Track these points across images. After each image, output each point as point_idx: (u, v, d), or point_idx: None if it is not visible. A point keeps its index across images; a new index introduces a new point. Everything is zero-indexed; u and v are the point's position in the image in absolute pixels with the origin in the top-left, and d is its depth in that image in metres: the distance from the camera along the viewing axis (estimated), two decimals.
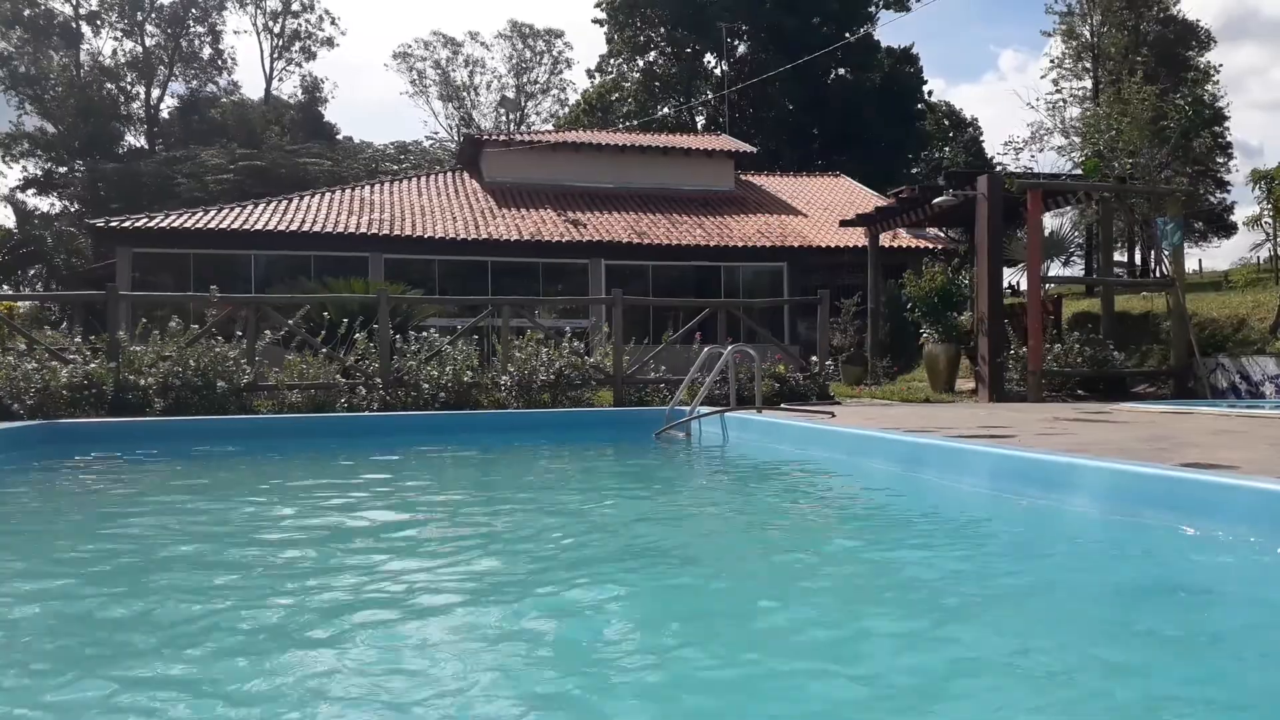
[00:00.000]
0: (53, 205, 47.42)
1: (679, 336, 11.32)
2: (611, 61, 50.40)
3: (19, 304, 34.76)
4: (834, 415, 7.25)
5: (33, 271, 28.08)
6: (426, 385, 9.67)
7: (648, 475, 6.08)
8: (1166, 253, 12.17)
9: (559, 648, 2.31)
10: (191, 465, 6.99)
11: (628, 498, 5.03)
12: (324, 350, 9.98)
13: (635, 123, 41.41)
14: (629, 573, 3.11)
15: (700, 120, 47.37)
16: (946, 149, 53.60)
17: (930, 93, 52.14)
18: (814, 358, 10.98)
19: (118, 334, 9.39)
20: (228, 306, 10.39)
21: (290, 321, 10.15)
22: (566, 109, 56.20)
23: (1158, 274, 12.70)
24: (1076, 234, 20.98)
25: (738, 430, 7.04)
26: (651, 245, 22.18)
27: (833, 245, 22.85)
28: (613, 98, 48.81)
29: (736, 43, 46.95)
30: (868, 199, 25.56)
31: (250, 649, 2.31)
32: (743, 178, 28.13)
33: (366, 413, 9.32)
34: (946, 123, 54.42)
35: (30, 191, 47.48)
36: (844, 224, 18.28)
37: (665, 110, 46.07)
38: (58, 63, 50.06)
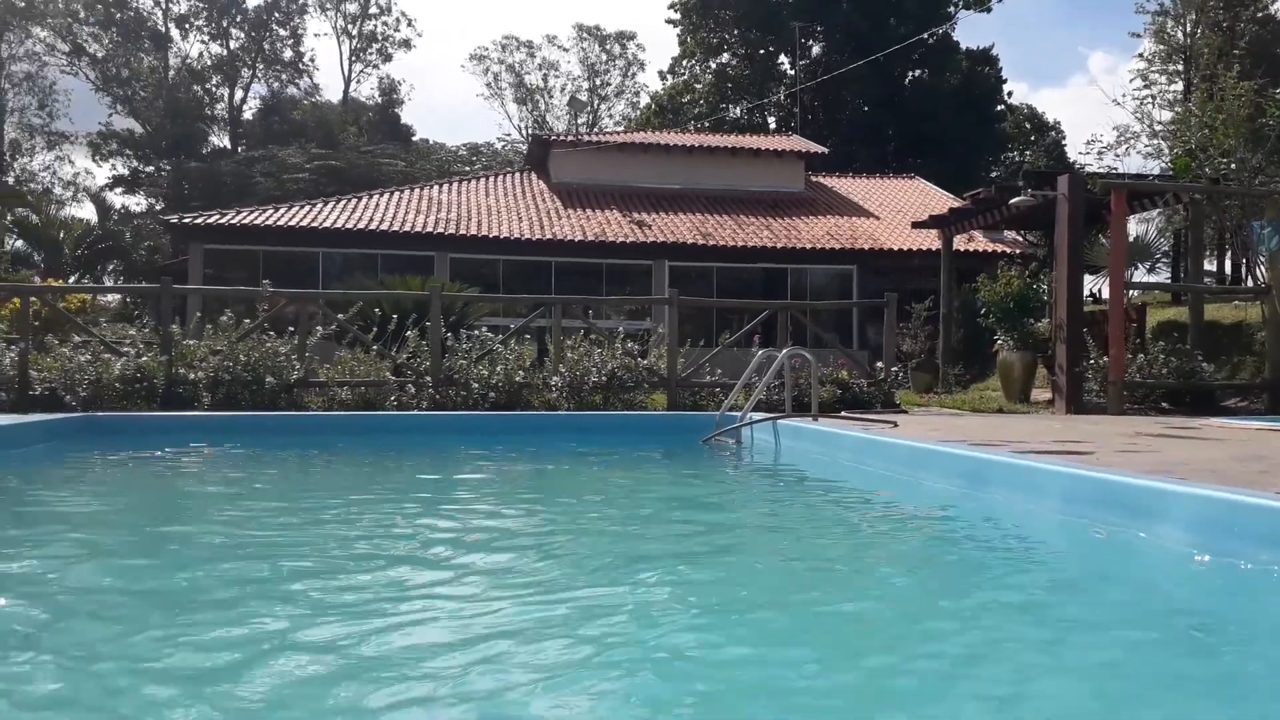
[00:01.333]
0: (139, 204, 48.96)
1: (737, 339, 10.95)
2: (684, 63, 50.10)
3: (106, 298, 35.90)
4: (896, 425, 6.81)
5: (112, 266, 28.85)
6: (477, 385, 9.47)
7: (687, 489, 5.73)
8: (1263, 259, 11.38)
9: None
10: (218, 464, 6.86)
11: (662, 521, 4.69)
12: (375, 347, 9.85)
13: (706, 124, 41.05)
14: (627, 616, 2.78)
15: (772, 122, 46.79)
16: (1027, 152, 52.10)
17: (1010, 94, 50.74)
18: (879, 364, 10.51)
19: (170, 327, 9.37)
20: (281, 301, 10.33)
21: (341, 316, 10.05)
22: (638, 111, 56.07)
23: (1250, 282, 11.89)
24: (1163, 240, 20.01)
25: (791, 439, 6.66)
26: (716, 247, 21.80)
27: (905, 249, 22.19)
28: (684, 99, 48.51)
29: (810, 43, 46.28)
30: (943, 201, 24.78)
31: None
32: (813, 179, 27.57)
33: (415, 411, 9.15)
34: (1028, 125, 52.83)
35: (118, 190, 49.09)
36: (916, 225, 17.66)
37: (737, 112, 45.61)
38: (147, 65, 51.68)
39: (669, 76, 51.09)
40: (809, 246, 22.11)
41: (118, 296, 36.20)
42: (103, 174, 50.49)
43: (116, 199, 47.74)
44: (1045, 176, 12.42)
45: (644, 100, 56.29)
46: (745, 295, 21.13)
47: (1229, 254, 34.06)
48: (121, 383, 8.95)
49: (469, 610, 2.68)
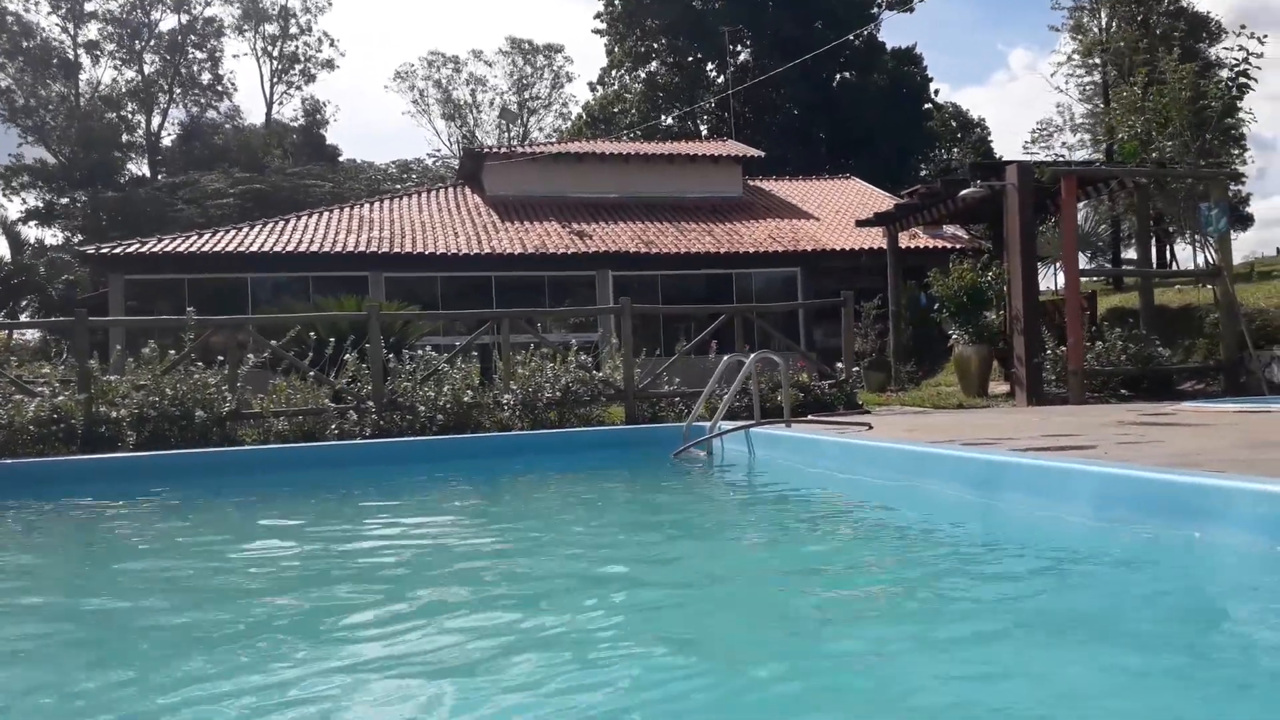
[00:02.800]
0: (55, 236, 47.12)
1: (693, 346, 10.58)
2: (613, 73, 49.87)
3: (25, 337, 34.33)
4: (871, 427, 6.49)
5: (25, 301, 27.53)
6: (423, 408, 8.94)
7: (662, 510, 5.30)
8: (1212, 240, 11.38)
9: None
10: (132, 512, 6.27)
11: (638, 548, 4.25)
12: (312, 374, 9.26)
13: (638, 133, 40.80)
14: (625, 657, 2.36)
15: (704, 129, 46.74)
16: (954, 149, 52.89)
17: (937, 92, 51.44)
18: (839, 364, 10.22)
19: (88, 363, 8.68)
20: (209, 330, 9.68)
21: (274, 343, 9.43)
22: (569, 123, 55.69)
23: (1200, 263, 11.90)
24: (1101, 228, 20.24)
25: (766, 448, 6.28)
26: (660, 254, 21.47)
27: (848, 248, 22.10)
28: (615, 109, 48.27)
29: (739, 49, 46.37)
30: (880, 200, 24.80)
31: None
32: (751, 183, 27.43)
33: (358, 440, 8.60)
34: (954, 124, 53.65)
35: (32, 223, 47.17)
36: (861, 223, 17.52)
37: (668, 120, 45.47)
38: (56, 93, 49.83)
39: (599, 87, 50.81)
40: (752, 250, 21.90)
41: (37, 334, 34.67)
42: (15, 207, 48.44)
43: (30, 232, 45.90)
44: (993, 167, 12.30)
45: (574, 112, 55.96)
46: (690, 303, 20.83)
47: (1166, 240, 34.81)
48: (36, 425, 8.25)
49: (413, 650, 2.45)
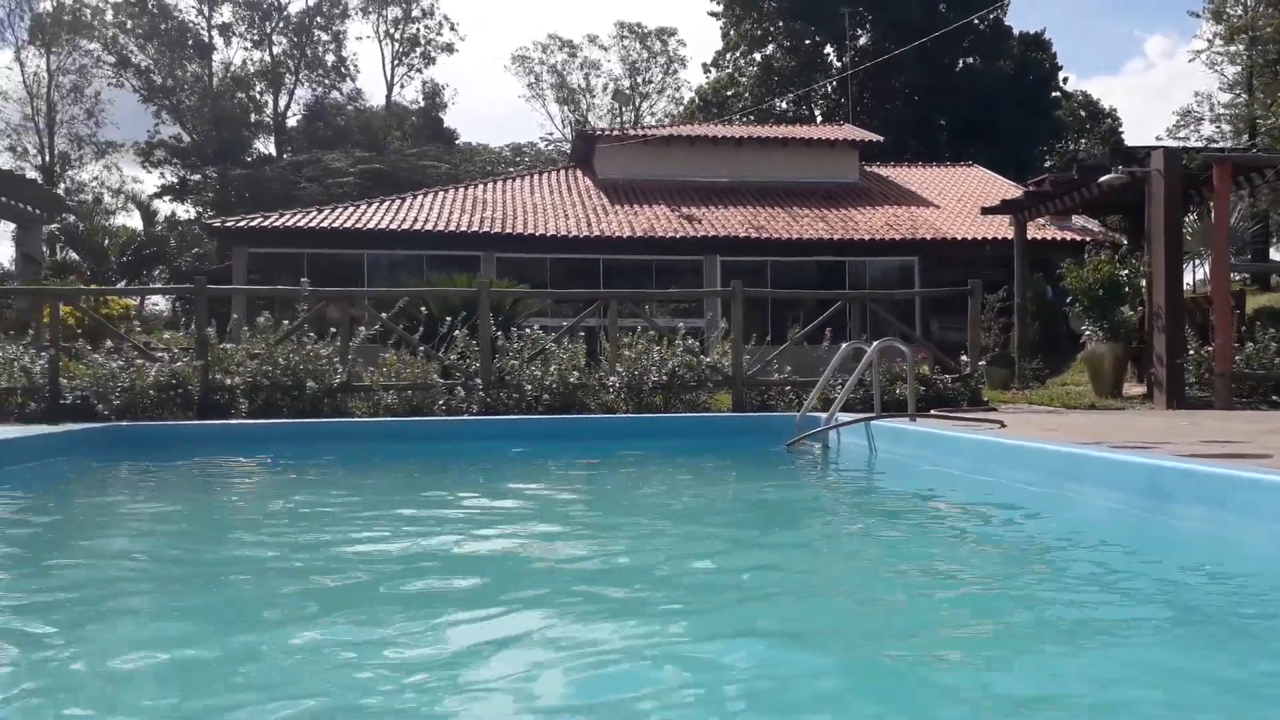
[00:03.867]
0: (187, 211, 49.22)
1: (807, 333, 10.20)
2: (727, 56, 49.24)
3: (157, 306, 35.94)
4: (1004, 425, 6.03)
5: (156, 272, 28.79)
6: (529, 386, 8.83)
7: (777, 503, 4.99)
8: None
9: None
10: (244, 477, 6.28)
11: (751, 542, 3.96)
12: (422, 349, 9.25)
13: (751, 117, 40.18)
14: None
15: (819, 115, 45.75)
16: (1082, 140, 50.54)
17: (1065, 80, 49.15)
18: (963, 358, 9.68)
19: (206, 330, 8.84)
20: (322, 301, 9.78)
21: (384, 316, 9.46)
22: (681, 107, 55.32)
23: None
24: (1247, 224, 18.94)
25: (889, 442, 5.90)
26: (770, 240, 21.01)
27: (969, 238, 21.23)
28: (728, 93, 47.68)
29: (858, 32, 45.16)
30: (1004, 188, 23.74)
31: None
32: (868, 169, 26.65)
33: (465, 416, 8.54)
34: (1083, 113, 51.23)
35: (166, 198, 49.44)
36: (986, 211, 16.72)
37: (783, 104, 44.66)
38: (191, 73, 52.00)
39: (712, 70, 50.23)
40: (867, 238, 21.23)
41: (168, 304, 36.28)
42: (151, 182, 50.83)
43: (165, 206, 48.12)
44: (1133, 154, 11.49)
45: (687, 96, 55.56)
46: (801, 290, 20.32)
47: None
48: (156, 390, 8.44)
49: (508, 643, 2.30)
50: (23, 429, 6.96)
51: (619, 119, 59.20)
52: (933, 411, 7.68)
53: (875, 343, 6.57)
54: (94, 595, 2.98)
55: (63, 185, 47.35)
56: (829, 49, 46.98)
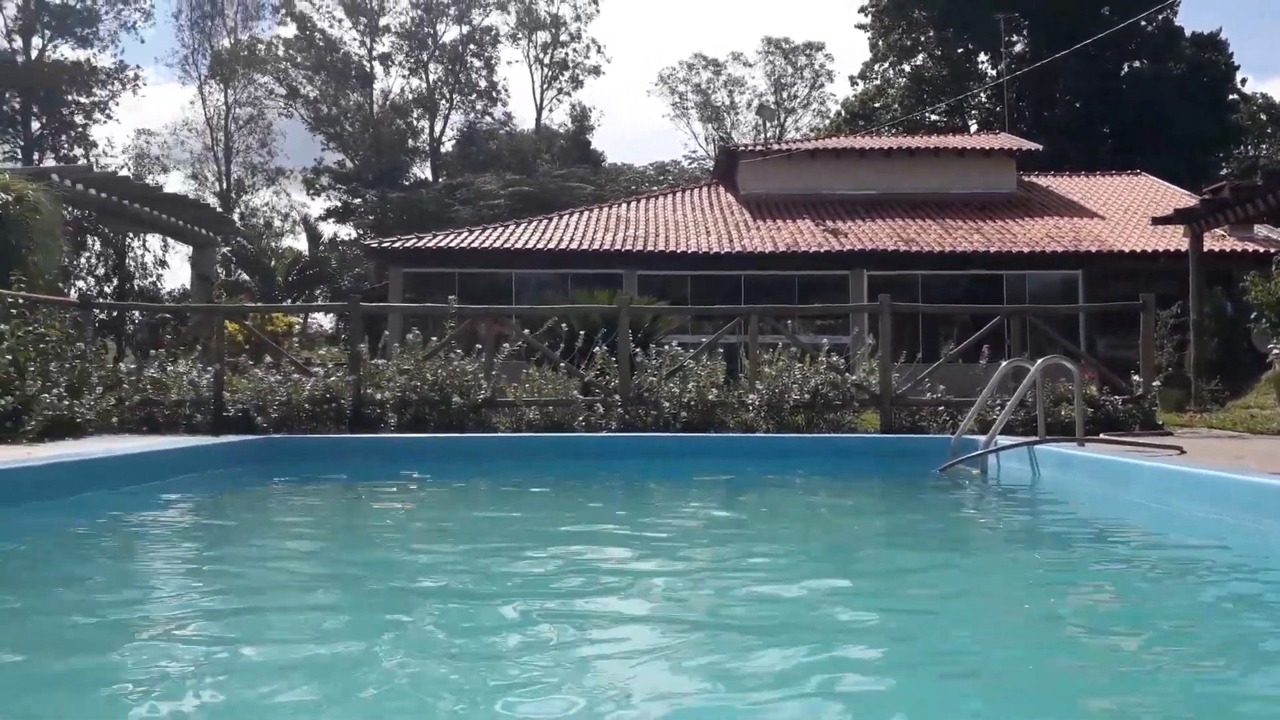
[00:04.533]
0: (349, 233, 51.73)
1: (962, 349, 9.69)
2: (875, 68, 48.24)
3: (321, 323, 37.86)
4: (1183, 451, 5.50)
5: (318, 291, 30.32)
6: (668, 403, 8.71)
7: (930, 533, 4.64)
8: None
9: None
10: (392, 492, 6.37)
11: (906, 578, 3.67)
12: (563, 365, 9.29)
13: (900, 129, 39.14)
14: None
15: (973, 125, 44.16)
16: (1263, 145, 46.93)
17: (1244, 82, 45.80)
18: (1135, 377, 8.98)
19: (359, 346, 9.13)
20: (469, 319, 9.96)
21: (527, 333, 9.55)
22: (826, 121, 54.50)
23: None
24: None
25: (1054, 469, 5.46)
26: (920, 253, 20.29)
27: (1137, 250, 19.92)
28: (876, 105, 46.63)
29: (1014, 38, 43.41)
30: (1176, 198, 22.19)
31: None
32: (1026, 179, 25.44)
33: (604, 433, 8.49)
34: (1263, 117, 47.56)
35: (330, 221, 52.14)
36: (1158, 221, 15.65)
37: (934, 114, 43.31)
38: (354, 102, 54.78)
39: (859, 82, 49.30)
40: (1026, 250, 20.22)
41: (330, 322, 38.21)
42: (317, 206, 53.77)
43: (328, 229, 50.73)
44: None
45: (833, 110, 54.70)
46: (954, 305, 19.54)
47: None
48: (311, 404, 8.75)
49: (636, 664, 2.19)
50: (189, 439, 7.33)
51: (763, 135, 58.83)
52: (1102, 435, 7.11)
53: (1039, 360, 6.11)
54: (253, 599, 3.08)
55: (237, 210, 50.61)
56: (982, 57, 45.37)
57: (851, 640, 2.52)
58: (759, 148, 26.58)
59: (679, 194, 25.90)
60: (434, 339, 9.35)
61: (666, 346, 9.43)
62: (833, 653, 2.39)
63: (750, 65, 61.38)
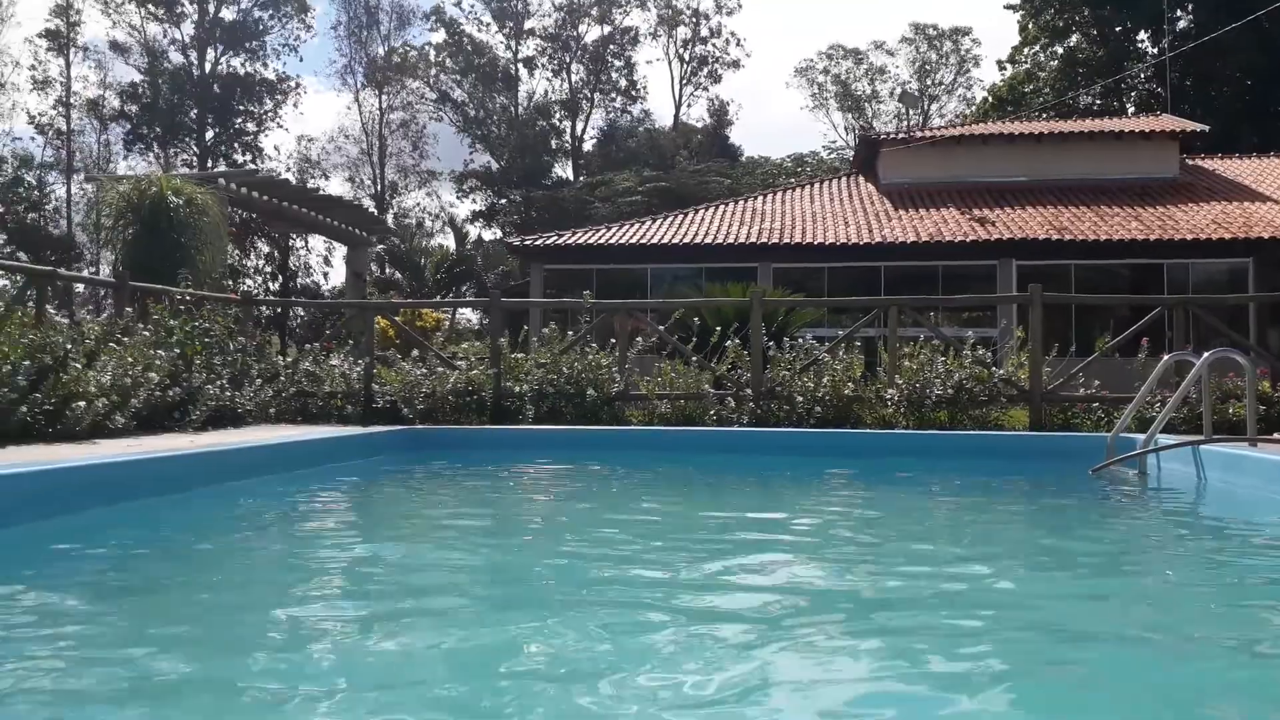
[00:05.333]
0: (494, 233, 53.24)
1: (1119, 343, 9.15)
2: (1025, 51, 46.15)
3: (468, 319, 39.14)
4: None
5: (465, 288, 31.36)
6: (801, 398, 8.57)
7: (1086, 539, 4.34)
8: None
9: None
10: (526, 481, 6.49)
11: (1063, 589, 3.45)
12: (695, 359, 9.28)
13: (1052, 114, 37.32)
14: None
15: (1130, 107, 41.69)
16: None
17: None
18: None
19: (499, 341, 9.37)
20: (603, 314, 10.07)
21: (660, 328, 9.58)
22: (972, 108, 52.56)
23: None
24: None
25: (1221, 470, 5.08)
26: (1073, 242, 19.29)
27: None
28: (1026, 89, 44.61)
29: (1177, 14, 40.72)
30: None
31: None
32: (1189, 162, 23.85)
33: (735, 428, 8.43)
34: None
35: (478, 222, 53.79)
36: None
37: (1088, 96, 41.12)
38: (500, 105, 56.29)
39: (1008, 66, 47.26)
40: (1190, 238, 18.95)
41: (475, 316, 39.47)
42: (465, 207, 55.56)
43: (474, 229, 52.34)
44: None
45: (979, 96, 52.71)
46: (1111, 295, 18.52)
47: None
48: (454, 396, 9.03)
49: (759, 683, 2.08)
50: (340, 429, 7.68)
51: (906, 123, 57.23)
52: (1276, 435, 6.58)
53: (1206, 354, 5.69)
54: (403, 583, 3.23)
55: (391, 212, 52.79)
56: (1142, 35, 42.75)
57: (1012, 657, 2.41)
58: (901, 135, 25.84)
59: (817, 185, 25.49)
60: (570, 333, 9.51)
61: (801, 340, 9.28)
62: (991, 666, 2.29)
63: (893, 53, 59.84)
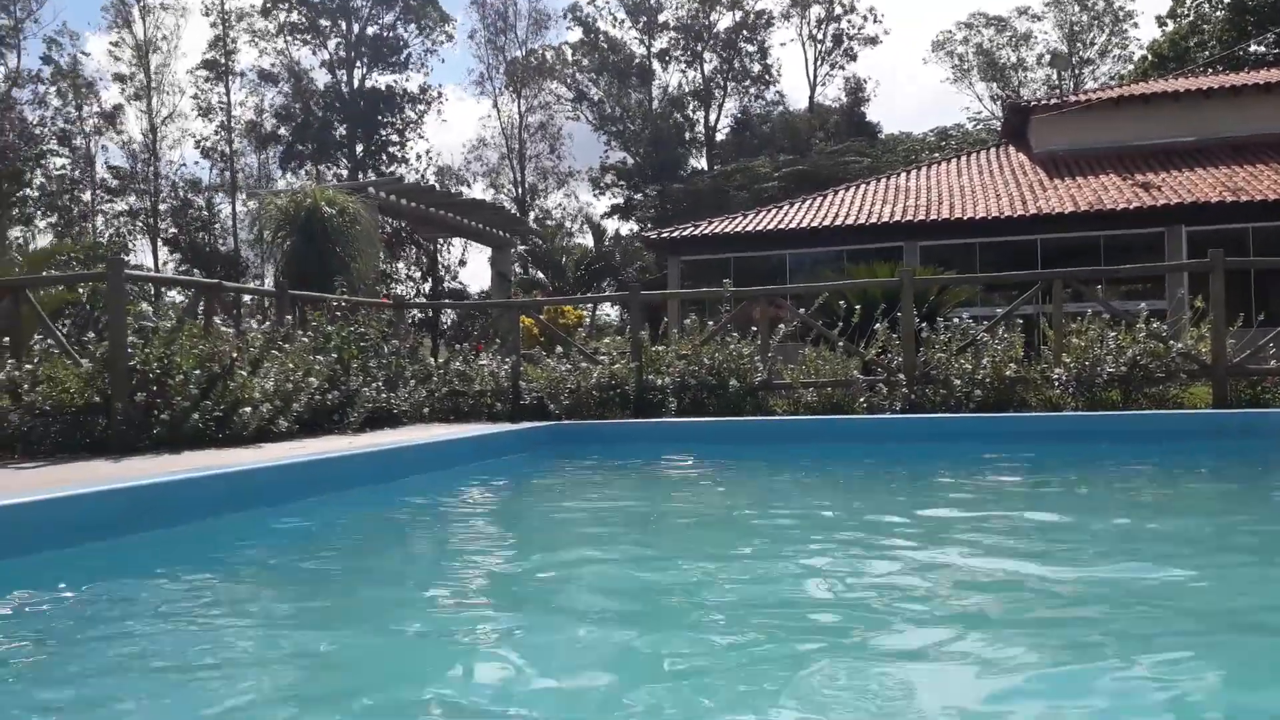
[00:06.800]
0: (630, 228, 53.61)
1: None
2: (1187, 2, 43.04)
3: (610, 314, 39.63)
4: None
5: (605, 283, 31.69)
6: (958, 381, 8.16)
7: None
8: None
9: None
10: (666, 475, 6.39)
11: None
12: (841, 344, 8.98)
13: (1220, 68, 34.64)
14: None
15: None
16: None
17: None
18: None
19: (639, 334, 9.33)
20: (743, 302, 9.88)
21: (802, 312, 9.32)
22: (1130, 67, 49.40)
23: None
24: None
25: None
26: (1251, 203, 17.78)
27: None
28: (1189, 44, 41.59)
29: None
30: None
31: None
32: None
33: (888, 415, 8.10)
34: None
35: (615, 218, 54.32)
36: None
37: (1260, 46, 37.97)
38: (635, 100, 56.61)
39: (1168, 22, 44.20)
40: None
41: (615, 311, 39.88)
42: (603, 204, 56.12)
43: (612, 225, 52.86)
44: None
45: (1137, 55, 49.47)
46: None
47: None
48: (598, 390, 9.05)
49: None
50: (489, 427, 7.80)
51: (1057, 86, 54.36)
52: None
53: None
54: (558, 572, 3.28)
55: (532, 213, 53.89)
56: None
57: (1224, 664, 2.15)
58: (1053, 101, 24.47)
59: (963, 158, 24.45)
60: (709, 323, 9.38)
61: (956, 319, 8.85)
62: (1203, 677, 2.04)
63: (1039, 18, 56.90)
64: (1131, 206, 18.37)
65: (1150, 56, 44.14)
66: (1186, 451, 6.13)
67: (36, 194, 44.30)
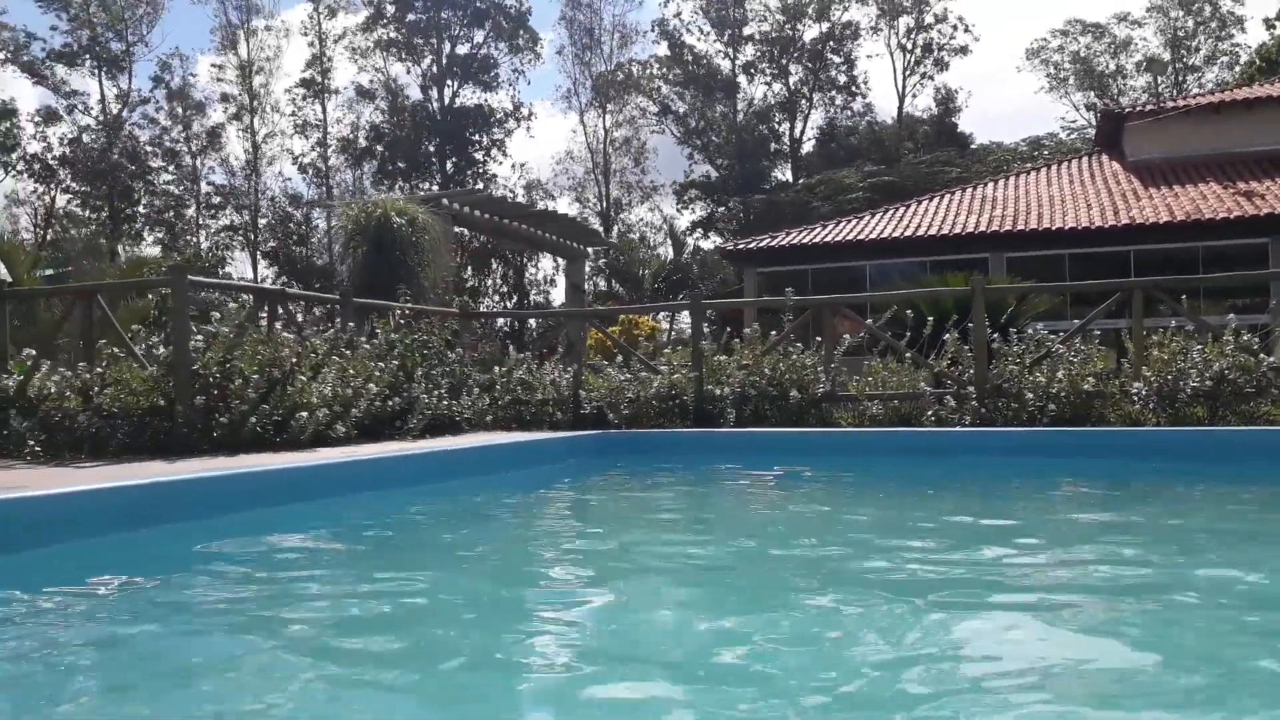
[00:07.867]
0: (712, 241, 53.43)
1: None
2: None
3: (681, 325, 39.54)
4: None
5: (682, 295, 31.65)
6: (1031, 395, 7.82)
7: None
8: None
9: None
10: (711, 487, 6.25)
11: None
12: (909, 355, 8.71)
13: None
14: None
15: None
16: None
17: None
18: None
19: (700, 344, 9.20)
20: (806, 310, 9.68)
21: (869, 322, 9.08)
22: (1236, 72, 47.27)
23: None
24: None
25: None
26: None
27: None
28: None
29: None
30: None
31: None
32: None
33: (957, 429, 7.81)
34: None
35: (697, 231, 54.21)
36: None
37: None
38: (719, 113, 56.47)
39: (1277, 25, 42.19)
40: None
41: (688, 322, 39.86)
42: (686, 218, 56.01)
43: (693, 239, 52.73)
44: None
45: (1244, 58, 47.30)
46: None
47: None
48: (658, 400, 8.96)
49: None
50: (544, 434, 7.78)
51: (1155, 92, 52.35)
52: None
53: None
54: (623, 571, 3.37)
55: (616, 227, 54.13)
56: None
57: None
58: (1149, 107, 23.53)
59: (1054, 167, 23.68)
60: (772, 333, 9.21)
61: (1031, 331, 8.50)
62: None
63: (1139, 24, 54.93)
64: (1233, 216, 17.52)
65: (1258, 60, 42.15)
66: (1274, 472, 5.73)
67: (144, 210, 46.44)
